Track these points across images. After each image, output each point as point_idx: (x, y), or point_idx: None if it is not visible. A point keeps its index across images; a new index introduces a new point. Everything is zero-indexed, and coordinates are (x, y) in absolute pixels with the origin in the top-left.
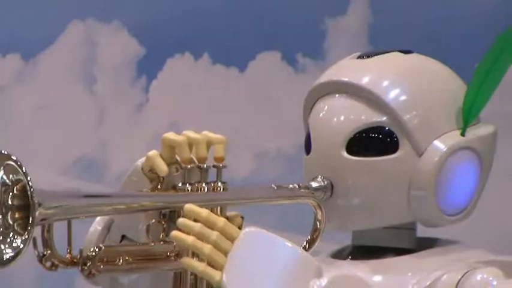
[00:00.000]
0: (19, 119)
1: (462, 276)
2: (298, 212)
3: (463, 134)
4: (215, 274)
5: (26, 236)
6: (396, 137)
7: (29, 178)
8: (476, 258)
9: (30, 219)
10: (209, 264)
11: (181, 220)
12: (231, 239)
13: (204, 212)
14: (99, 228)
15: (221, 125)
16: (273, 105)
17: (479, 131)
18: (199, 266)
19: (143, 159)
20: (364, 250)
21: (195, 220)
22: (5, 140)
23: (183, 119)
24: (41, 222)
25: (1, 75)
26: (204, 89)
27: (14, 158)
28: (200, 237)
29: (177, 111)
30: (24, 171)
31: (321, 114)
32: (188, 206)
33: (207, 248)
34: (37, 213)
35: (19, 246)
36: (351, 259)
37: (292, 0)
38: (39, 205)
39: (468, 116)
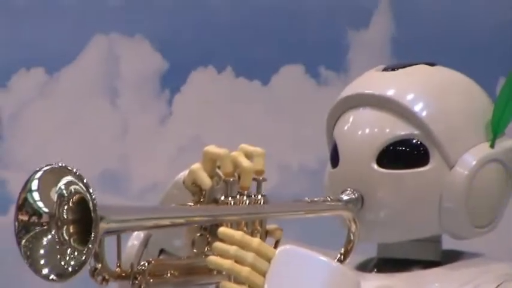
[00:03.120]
0: (43, 132)
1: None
2: (318, 224)
3: (492, 146)
4: None
5: (87, 250)
6: (427, 150)
7: (91, 190)
8: (505, 270)
9: (93, 233)
10: (248, 286)
11: (216, 244)
12: (267, 259)
13: (238, 234)
14: (136, 243)
15: (243, 139)
16: (296, 118)
17: (506, 143)
18: None
19: (184, 172)
20: (389, 262)
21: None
22: (29, 153)
23: (206, 132)
24: (102, 236)
25: (25, 89)
26: (227, 102)
27: (74, 170)
28: (237, 260)
29: (200, 124)
30: (85, 183)
31: (349, 127)
32: (222, 230)
33: (245, 270)
34: (100, 227)
35: (81, 259)
36: (377, 272)
37: (315, 13)
38: (102, 219)
39: (497, 128)
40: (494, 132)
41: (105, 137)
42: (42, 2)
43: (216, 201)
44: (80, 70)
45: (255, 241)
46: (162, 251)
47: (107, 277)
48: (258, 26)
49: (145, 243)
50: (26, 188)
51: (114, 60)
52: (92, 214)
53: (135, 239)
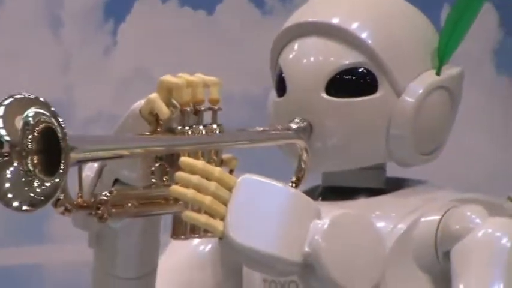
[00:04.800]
0: None
1: (442, 216)
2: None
3: (438, 74)
4: (218, 224)
5: (59, 178)
6: (375, 78)
7: (60, 120)
8: (450, 197)
9: (64, 162)
10: (210, 214)
11: (178, 174)
12: (229, 188)
13: (200, 164)
14: (89, 173)
15: (188, 69)
16: (240, 48)
17: (452, 70)
18: (201, 218)
19: (140, 102)
20: (333, 191)
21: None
22: None
23: (151, 62)
24: (72, 165)
25: None
26: (172, 32)
27: (42, 99)
28: (199, 189)
29: (145, 54)
30: (54, 112)
31: (296, 56)
32: (183, 159)
33: (207, 199)
34: (71, 157)
35: (50, 189)
36: (322, 200)
37: None
38: (72, 149)
39: (443, 56)
40: (441, 59)
41: (49, 67)
42: None
43: (172, 131)
44: (22, 0)
45: (217, 170)
46: (116, 181)
47: (69, 207)
48: None
49: (99, 173)
50: None
51: None
52: (62, 144)
53: (88, 170)
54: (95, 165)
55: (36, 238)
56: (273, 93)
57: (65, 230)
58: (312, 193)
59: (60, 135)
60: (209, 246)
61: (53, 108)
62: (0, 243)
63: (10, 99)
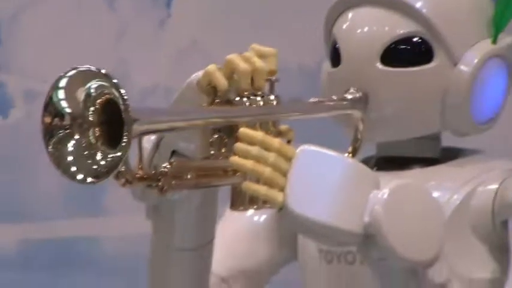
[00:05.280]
0: (41, 36)
1: (500, 185)
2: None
3: (494, 42)
4: (277, 195)
5: (121, 152)
6: (430, 47)
7: (123, 92)
8: (508, 166)
9: (127, 134)
10: (269, 185)
11: (238, 145)
12: (288, 159)
13: (259, 135)
14: (147, 145)
15: (242, 42)
16: (294, 18)
17: (508, 39)
18: (261, 189)
19: (197, 74)
20: (388, 161)
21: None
22: (27, 56)
23: (206, 35)
24: (135, 137)
25: None
26: (227, 4)
27: (104, 71)
28: (258, 160)
29: (200, 27)
30: (116, 84)
31: (352, 25)
32: (242, 130)
33: (267, 171)
34: (134, 128)
35: (114, 160)
36: (377, 170)
37: None
38: (135, 121)
39: (499, 24)
40: (496, 28)
41: (103, 40)
42: None
43: (229, 102)
44: None
45: (276, 141)
46: (173, 153)
47: (130, 179)
48: None
49: (156, 145)
50: (54, 86)
51: None
52: (124, 116)
53: (145, 142)
54: (152, 137)
55: (93, 210)
56: (327, 64)
57: (121, 202)
58: (366, 163)
59: (122, 107)
60: (264, 216)
61: (115, 81)
62: (57, 215)
63: (73, 71)
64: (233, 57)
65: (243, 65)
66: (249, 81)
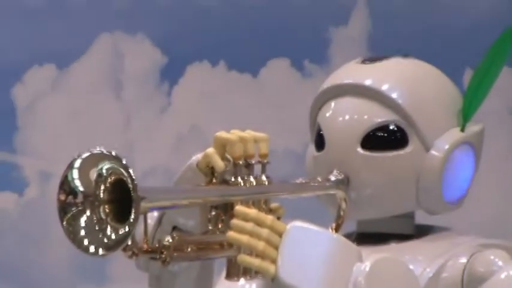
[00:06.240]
0: (55, 122)
1: (468, 260)
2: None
3: (462, 130)
4: (270, 267)
5: (129, 227)
6: (406, 134)
7: (131, 172)
8: (475, 242)
9: (134, 211)
10: (262, 258)
11: (234, 221)
12: (279, 234)
13: (254, 212)
14: (150, 221)
15: (235, 126)
16: (282, 107)
17: (474, 127)
18: (255, 262)
19: (197, 156)
20: (367, 237)
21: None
22: (42, 141)
23: (203, 120)
24: (142, 214)
25: (39, 83)
26: (221, 93)
27: (114, 153)
28: (252, 235)
29: (197, 113)
30: (125, 166)
31: (334, 114)
32: (238, 208)
33: (260, 245)
34: (141, 206)
35: (123, 234)
36: (357, 244)
37: (298, 11)
38: (142, 199)
39: (467, 114)
40: (465, 117)
41: (111, 126)
42: (52, 4)
43: (226, 182)
44: (88, 65)
45: (269, 218)
46: (174, 228)
47: (136, 252)
48: (247, 24)
49: (159, 221)
50: (69, 166)
51: (118, 56)
52: (133, 194)
53: (149, 218)
54: (155, 213)
55: (99, 279)
56: (312, 148)
57: (124, 271)
58: (348, 238)
59: (131, 186)
60: (253, 285)
61: (124, 162)
62: (65, 283)
63: (87, 153)
64: (220, 133)
65: (230, 135)
66: (239, 150)
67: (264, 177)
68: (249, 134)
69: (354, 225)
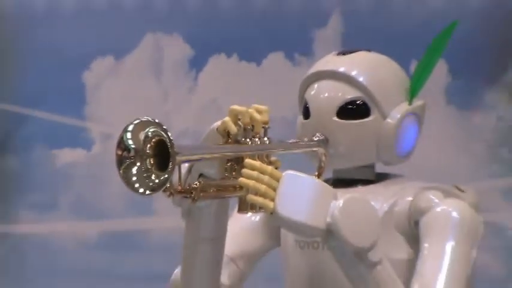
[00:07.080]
0: (113, 99)
1: (413, 198)
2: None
3: (410, 104)
4: (270, 204)
5: (167, 175)
6: (369, 107)
7: (169, 134)
8: (420, 185)
9: (171, 162)
10: (264, 197)
11: (244, 171)
12: (277, 179)
13: (258, 164)
14: (183, 170)
15: (245, 101)
16: (279, 87)
17: (418, 102)
18: (259, 200)
19: (217, 123)
20: (340, 182)
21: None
22: (104, 111)
23: (221, 97)
24: (176, 165)
25: (101, 70)
26: (234, 77)
27: (157, 120)
28: (257, 180)
29: (216, 92)
30: (165, 129)
31: (317, 92)
32: (247, 161)
33: (263, 187)
34: (176, 159)
35: (163, 179)
36: (333, 187)
37: (291, 16)
38: (177, 154)
39: (413, 92)
40: (411, 94)
41: (154, 101)
42: (111, 10)
43: (238, 142)
44: (137, 57)
45: (269, 168)
46: (200, 175)
47: (172, 192)
48: (254, 25)
49: (189, 170)
50: (124, 129)
51: (159, 50)
52: (170, 150)
53: (182, 168)
54: (186, 165)
55: (147, 212)
56: (300, 118)
57: (165, 207)
58: (327, 183)
59: (169, 144)
60: (258, 217)
61: (164, 127)
62: (121, 214)
63: (137, 120)
64: (234, 106)
65: (241, 108)
66: (248, 118)
67: (265, 138)
68: (254, 106)
69: (331, 173)
